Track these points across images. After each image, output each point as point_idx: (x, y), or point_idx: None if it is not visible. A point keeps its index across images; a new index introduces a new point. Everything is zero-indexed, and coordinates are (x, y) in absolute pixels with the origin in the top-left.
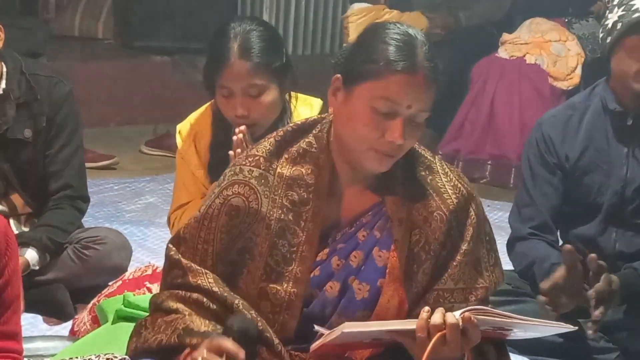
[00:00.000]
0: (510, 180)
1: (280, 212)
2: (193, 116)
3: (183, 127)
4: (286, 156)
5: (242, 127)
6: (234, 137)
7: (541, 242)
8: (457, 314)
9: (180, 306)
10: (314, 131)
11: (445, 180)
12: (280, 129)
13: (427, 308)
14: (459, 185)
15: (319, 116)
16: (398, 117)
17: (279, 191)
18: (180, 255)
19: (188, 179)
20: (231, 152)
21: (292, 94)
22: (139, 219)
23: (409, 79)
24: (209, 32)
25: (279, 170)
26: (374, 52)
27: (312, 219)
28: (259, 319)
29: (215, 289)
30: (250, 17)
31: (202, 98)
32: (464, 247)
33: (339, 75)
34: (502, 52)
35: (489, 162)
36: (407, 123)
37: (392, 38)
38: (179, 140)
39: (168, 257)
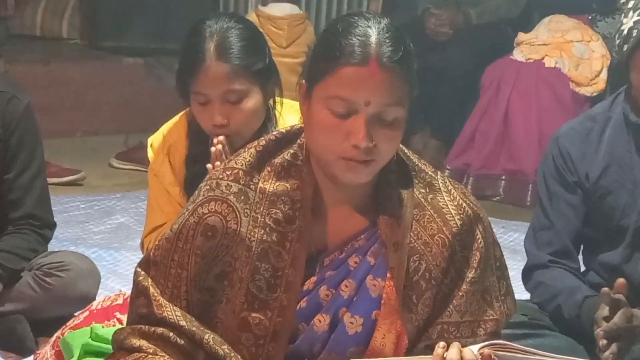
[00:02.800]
0: (527, 198)
1: (262, 232)
2: (166, 127)
3: (155, 140)
4: (269, 169)
5: (221, 138)
6: (212, 149)
7: (563, 270)
8: (474, 349)
9: (143, 343)
10: (299, 141)
11: (448, 199)
12: (261, 138)
13: (442, 343)
14: (464, 204)
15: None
16: (358, 115)
17: (261, 209)
18: (150, 281)
19: (162, 197)
20: (209, 166)
21: (277, 99)
22: (108, 242)
23: (362, 71)
24: (186, 31)
25: (260, 185)
26: (325, 47)
27: (299, 239)
28: (232, 354)
29: (183, 322)
30: (228, 14)
31: (180, 105)
32: (471, 274)
33: (303, 82)
34: (518, 54)
35: (503, 178)
36: (373, 122)
37: (346, 29)
38: (150, 155)
39: (136, 282)
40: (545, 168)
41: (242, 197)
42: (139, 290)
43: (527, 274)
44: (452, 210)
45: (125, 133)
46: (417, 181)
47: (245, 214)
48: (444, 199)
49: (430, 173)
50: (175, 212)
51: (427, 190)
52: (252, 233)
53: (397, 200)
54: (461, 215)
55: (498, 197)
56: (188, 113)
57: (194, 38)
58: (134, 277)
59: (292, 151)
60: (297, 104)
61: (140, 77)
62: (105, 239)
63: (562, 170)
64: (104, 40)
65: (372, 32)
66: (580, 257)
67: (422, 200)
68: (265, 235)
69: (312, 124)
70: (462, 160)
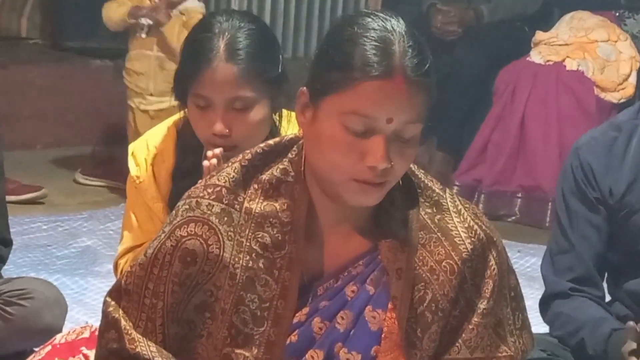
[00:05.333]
0: (546, 218)
1: (248, 258)
2: (150, 134)
3: (138, 148)
4: (255, 186)
5: (217, 151)
6: (205, 163)
7: (586, 299)
8: None
9: None
10: (290, 154)
11: (458, 220)
12: (246, 151)
13: None
14: (475, 226)
15: (296, 134)
16: (378, 135)
17: (247, 232)
18: (120, 312)
19: (142, 213)
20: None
21: (284, 112)
22: (73, 268)
23: (385, 85)
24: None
25: (246, 204)
26: (338, 55)
27: (289, 266)
28: None
29: (158, 359)
30: (241, 11)
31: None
32: (482, 305)
33: (304, 88)
34: (536, 56)
35: (519, 196)
36: (391, 141)
37: (362, 35)
38: (131, 164)
39: (105, 313)
40: (564, 183)
41: (226, 218)
42: (108, 322)
43: (545, 304)
44: (462, 233)
45: (92, 145)
46: (422, 200)
47: (229, 238)
48: (453, 220)
49: (437, 191)
50: (156, 231)
51: (434, 211)
52: (237, 259)
53: (401, 221)
54: (472, 239)
55: (513, 218)
56: (178, 121)
57: (202, 34)
58: (103, 308)
59: (281, 166)
60: None
61: (110, 81)
62: (69, 265)
63: (582, 185)
64: (69, 40)
65: (394, 38)
66: (604, 285)
67: (429, 221)
68: (251, 262)
69: (319, 140)
70: (472, 176)
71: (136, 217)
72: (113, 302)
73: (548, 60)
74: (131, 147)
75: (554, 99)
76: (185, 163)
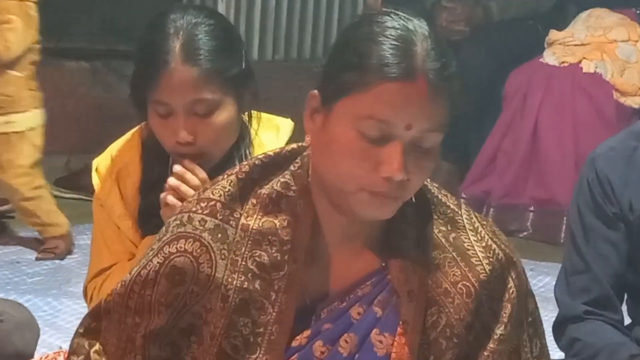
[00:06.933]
0: (561, 234)
1: (243, 278)
2: (114, 147)
3: (101, 163)
4: (254, 201)
5: (187, 162)
6: (170, 180)
7: (603, 323)
8: None
9: None
10: (292, 167)
11: (475, 239)
12: (244, 163)
13: None
14: (494, 245)
15: (299, 145)
16: (394, 142)
17: (242, 250)
18: (87, 344)
19: (110, 233)
20: (163, 196)
21: (254, 113)
22: (45, 287)
23: (405, 88)
24: (141, 32)
25: (243, 221)
26: (355, 55)
27: (287, 289)
28: None
29: None
30: (196, 6)
31: (133, 118)
32: (499, 331)
33: (315, 92)
34: (550, 57)
35: (531, 209)
36: (409, 150)
37: (381, 34)
38: (96, 181)
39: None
40: (580, 197)
41: (219, 235)
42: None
43: (559, 329)
44: (479, 253)
45: (66, 154)
46: (436, 217)
47: (222, 256)
48: (469, 238)
49: (452, 207)
50: (126, 251)
51: (449, 228)
52: (230, 279)
53: (413, 239)
54: (490, 259)
55: (525, 233)
56: (142, 130)
57: (155, 35)
58: (76, 331)
59: (282, 180)
60: (275, 119)
61: (85, 85)
62: (41, 284)
63: (599, 199)
64: (42, 41)
65: (416, 38)
66: (624, 307)
67: (443, 240)
68: (246, 283)
69: (330, 148)
70: (480, 187)
71: (104, 237)
72: (93, 323)
73: (563, 62)
74: (95, 162)
75: (570, 104)
76: (153, 175)
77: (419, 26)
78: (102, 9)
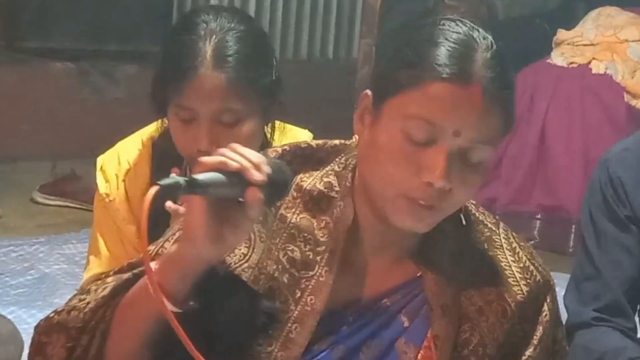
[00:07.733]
0: (569, 242)
1: (275, 267)
2: (122, 146)
3: (108, 162)
4: (295, 194)
5: None
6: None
7: (609, 329)
8: None
9: None
10: (336, 167)
11: (512, 259)
12: (284, 147)
13: None
14: (532, 267)
15: (341, 142)
16: (440, 146)
17: (277, 240)
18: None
19: (111, 236)
20: (168, 205)
21: (277, 123)
22: (30, 299)
23: (457, 91)
24: (132, 30)
25: (282, 211)
26: (411, 55)
27: (314, 291)
28: None
29: None
30: (228, 8)
31: (123, 122)
32: (528, 352)
33: (368, 91)
34: (558, 57)
35: (539, 217)
36: (455, 159)
37: (442, 37)
38: (100, 180)
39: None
40: (591, 200)
41: (261, 218)
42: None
43: (566, 337)
44: (516, 274)
45: (52, 159)
46: (474, 233)
47: (262, 239)
48: (506, 258)
49: (490, 225)
50: (128, 257)
51: (487, 247)
52: (265, 264)
53: (450, 254)
54: (528, 281)
55: (532, 242)
56: (154, 131)
57: (185, 36)
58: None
59: (326, 179)
60: (294, 130)
61: (72, 86)
62: (25, 295)
63: (612, 202)
64: (26, 40)
65: (477, 46)
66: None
67: (479, 258)
68: (277, 273)
69: (375, 149)
70: (485, 194)
71: (104, 240)
72: None
73: (572, 63)
74: (100, 160)
75: (578, 106)
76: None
77: (483, 36)
78: (90, 9)
